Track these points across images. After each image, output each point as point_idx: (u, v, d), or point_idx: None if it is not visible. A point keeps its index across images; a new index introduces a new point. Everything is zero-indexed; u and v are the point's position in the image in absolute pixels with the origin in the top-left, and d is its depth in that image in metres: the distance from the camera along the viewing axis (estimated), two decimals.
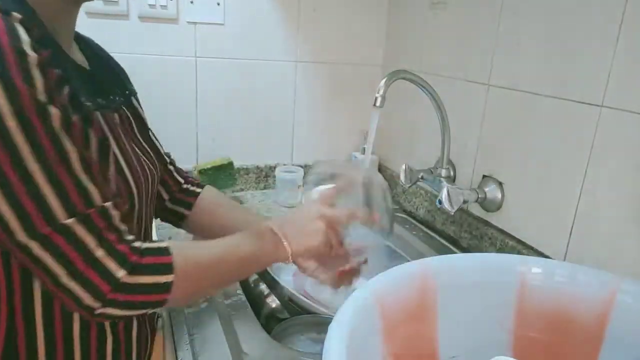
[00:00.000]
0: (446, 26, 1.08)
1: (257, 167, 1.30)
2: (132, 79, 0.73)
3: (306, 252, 0.63)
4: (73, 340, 0.55)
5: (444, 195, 0.92)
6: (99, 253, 0.46)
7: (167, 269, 0.50)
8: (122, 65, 0.73)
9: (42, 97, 0.43)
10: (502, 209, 0.94)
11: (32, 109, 0.42)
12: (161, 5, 1.11)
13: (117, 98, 0.63)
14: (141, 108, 0.71)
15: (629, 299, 0.55)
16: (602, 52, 0.72)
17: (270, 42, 1.23)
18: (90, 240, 0.46)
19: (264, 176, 1.31)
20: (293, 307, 0.87)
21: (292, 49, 1.26)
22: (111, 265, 0.46)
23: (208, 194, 0.80)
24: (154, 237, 0.88)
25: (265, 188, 1.32)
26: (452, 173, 1.03)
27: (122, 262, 0.47)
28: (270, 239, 0.62)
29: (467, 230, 1.01)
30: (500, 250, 0.92)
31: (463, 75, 1.02)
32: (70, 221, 0.44)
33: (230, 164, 1.21)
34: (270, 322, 0.89)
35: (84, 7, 1.07)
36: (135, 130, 0.66)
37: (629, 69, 0.69)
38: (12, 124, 0.41)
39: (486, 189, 0.95)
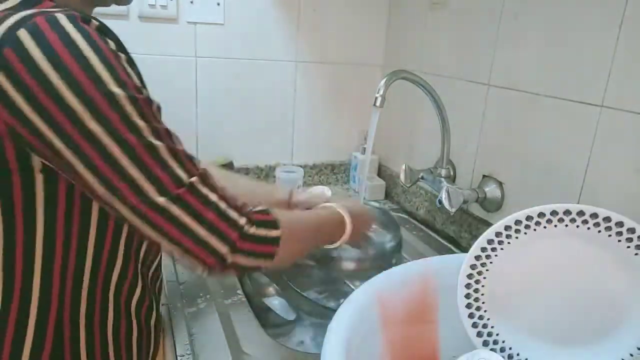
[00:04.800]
0: (446, 26, 1.08)
1: (257, 167, 1.30)
2: None
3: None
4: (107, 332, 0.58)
5: (444, 195, 0.92)
6: (223, 205, 0.52)
7: (275, 224, 0.56)
8: None
9: (140, 89, 0.48)
10: (502, 209, 0.94)
11: (143, 100, 0.48)
12: (161, 5, 1.11)
13: None
14: None
15: None
16: (602, 52, 0.72)
17: (270, 42, 1.23)
18: (214, 197, 0.51)
19: (264, 176, 1.31)
20: (293, 307, 0.87)
21: (292, 49, 1.26)
22: (234, 215, 0.52)
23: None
24: None
25: None
26: (452, 173, 1.03)
27: (241, 213, 0.54)
28: (342, 225, 0.71)
29: (467, 230, 1.01)
30: None
31: (463, 75, 1.02)
32: (194, 179, 0.50)
33: (230, 163, 1.21)
34: (270, 322, 0.89)
35: None
36: None
37: (629, 69, 0.69)
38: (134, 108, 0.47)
39: (486, 189, 0.95)
